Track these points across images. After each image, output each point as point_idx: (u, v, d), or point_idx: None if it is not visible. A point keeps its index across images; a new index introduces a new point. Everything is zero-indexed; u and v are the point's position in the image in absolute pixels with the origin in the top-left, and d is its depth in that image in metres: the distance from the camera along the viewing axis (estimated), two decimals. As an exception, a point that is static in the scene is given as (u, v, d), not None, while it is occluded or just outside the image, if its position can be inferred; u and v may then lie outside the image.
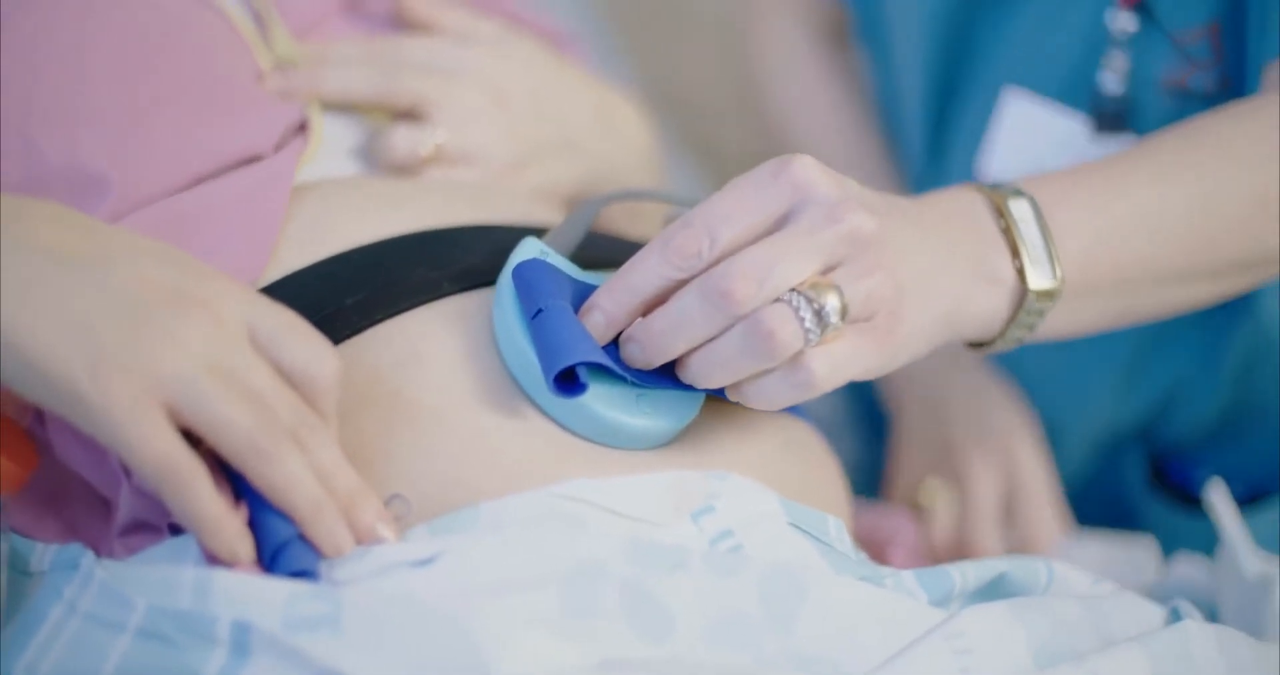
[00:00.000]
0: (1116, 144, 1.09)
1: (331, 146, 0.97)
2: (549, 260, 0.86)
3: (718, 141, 1.71)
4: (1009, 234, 0.86)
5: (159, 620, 0.73)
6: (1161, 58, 1.06)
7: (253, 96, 0.93)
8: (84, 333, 0.71)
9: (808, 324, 0.78)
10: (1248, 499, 1.20)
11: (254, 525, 0.74)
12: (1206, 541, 1.15)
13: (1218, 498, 1.05)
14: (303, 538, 0.74)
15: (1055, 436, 1.24)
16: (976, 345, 0.90)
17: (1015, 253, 0.86)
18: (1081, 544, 1.16)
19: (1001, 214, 0.87)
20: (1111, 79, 1.08)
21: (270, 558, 0.74)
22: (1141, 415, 1.23)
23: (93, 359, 0.71)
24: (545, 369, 0.80)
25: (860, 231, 0.80)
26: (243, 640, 0.72)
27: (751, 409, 0.82)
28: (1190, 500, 1.24)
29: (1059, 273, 0.87)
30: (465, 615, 0.73)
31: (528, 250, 0.86)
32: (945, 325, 0.85)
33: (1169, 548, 1.16)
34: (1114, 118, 1.09)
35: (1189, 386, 1.19)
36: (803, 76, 1.31)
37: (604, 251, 0.92)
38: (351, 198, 0.91)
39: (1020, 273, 0.86)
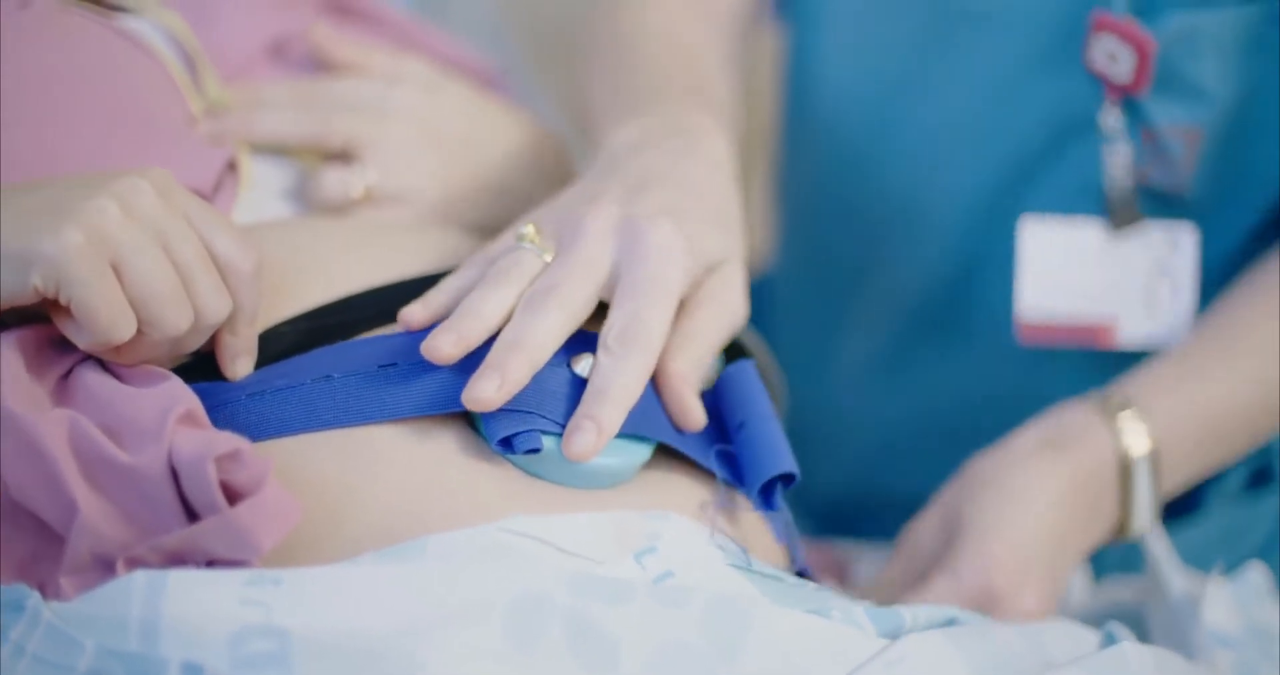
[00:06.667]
0: (1133, 236, 1.12)
1: (263, 189, 0.97)
2: None
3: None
4: (1124, 493, 1.02)
5: (109, 662, 0.73)
6: (1133, 147, 1.10)
7: (187, 140, 0.94)
8: (47, 203, 0.78)
9: None
10: (1168, 514, 1.21)
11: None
12: (1126, 565, 1.17)
13: (1144, 519, 1.07)
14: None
15: None
16: None
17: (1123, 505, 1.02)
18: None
19: (1126, 475, 1.01)
20: (1118, 175, 1.11)
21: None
22: None
23: (55, 219, 0.77)
24: (489, 435, 0.82)
25: None
26: None
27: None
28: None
29: (1154, 519, 1.02)
30: (412, 649, 0.73)
31: None
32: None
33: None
34: (1128, 212, 1.12)
35: None
36: (669, 18, 1.21)
37: None
38: (308, 247, 0.92)
39: (1122, 525, 1.03)
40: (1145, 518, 1.02)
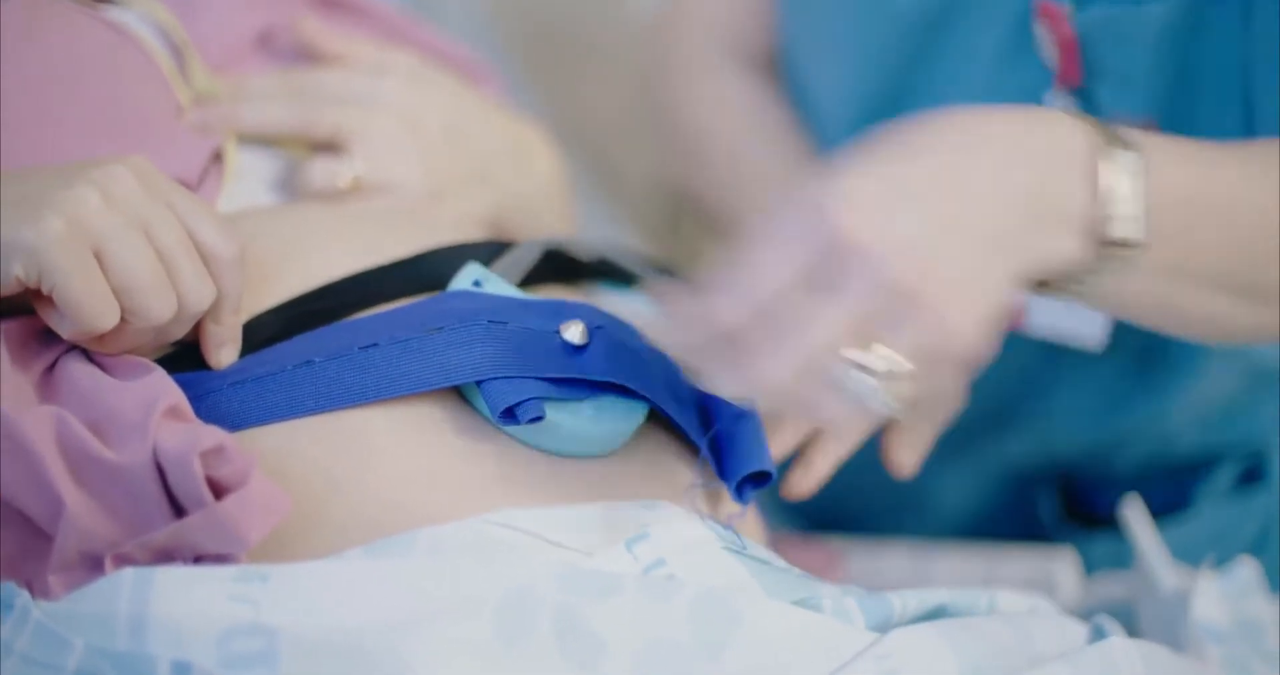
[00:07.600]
0: None
1: (249, 179, 0.97)
2: (487, 284, 0.89)
3: (621, 171, 1.73)
4: (1092, 179, 0.78)
5: (98, 661, 0.73)
6: None
7: (173, 130, 0.94)
8: (27, 192, 0.78)
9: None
10: (1158, 512, 1.22)
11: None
12: (1116, 561, 1.17)
13: (1133, 514, 1.06)
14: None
15: (978, 468, 1.26)
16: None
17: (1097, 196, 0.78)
18: (1002, 561, 1.17)
19: (1102, 157, 0.78)
20: None
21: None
22: (1073, 458, 1.25)
23: (36, 208, 0.77)
24: (491, 407, 0.82)
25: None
26: None
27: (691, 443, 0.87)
28: (1095, 521, 1.26)
29: (1147, 231, 0.79)
30: (400, 646, 0.73)
31: (465, 275, 0.89)
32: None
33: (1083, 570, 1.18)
34: None
35: (1131, 438, 1.22)
36: (724, 85, 1.27)
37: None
38: (298, 233, 0.92)
39: (1099, 219, 0.78)
40: (1131, 213, 0.79)
